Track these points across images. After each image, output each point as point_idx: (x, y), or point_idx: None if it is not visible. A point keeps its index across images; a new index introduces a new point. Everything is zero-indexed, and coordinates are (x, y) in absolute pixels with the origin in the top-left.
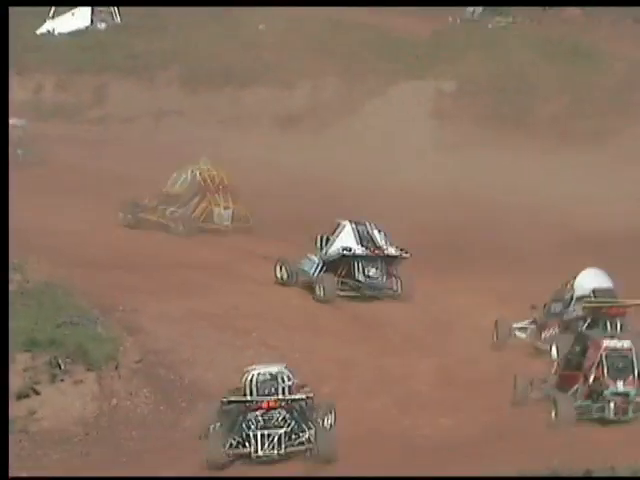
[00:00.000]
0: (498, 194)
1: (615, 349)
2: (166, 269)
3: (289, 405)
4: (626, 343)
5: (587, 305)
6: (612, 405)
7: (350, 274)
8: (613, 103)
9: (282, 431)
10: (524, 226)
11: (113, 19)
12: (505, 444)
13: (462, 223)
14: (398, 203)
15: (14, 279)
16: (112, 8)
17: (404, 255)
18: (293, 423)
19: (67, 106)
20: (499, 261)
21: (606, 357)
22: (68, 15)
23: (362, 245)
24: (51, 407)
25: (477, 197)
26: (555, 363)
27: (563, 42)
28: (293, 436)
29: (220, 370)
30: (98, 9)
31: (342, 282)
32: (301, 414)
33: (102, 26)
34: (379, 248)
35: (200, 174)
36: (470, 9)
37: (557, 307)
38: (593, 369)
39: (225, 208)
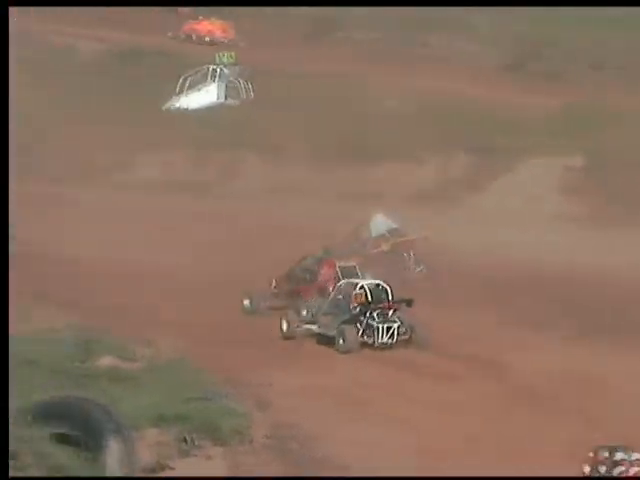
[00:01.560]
0: (631, 272)
1: (346, 266)
2: (294, 342)
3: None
4: (352, 263)
5: (394, 242)
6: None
7: None
8: None
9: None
10: None
11: (245, 94)
12: None
13: (598, 303)
14: (527, 280)
15: (144, 354)
16: (244, 84)
17: None
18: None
19: (196, 182)
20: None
21: (341, 273)
22: (201, 91)
23: None
24: None
25: (610, 276)
26: (274, 280)
27: None
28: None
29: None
30: (230, 86)
31: None
32: None
33: (234, 102)
34: None
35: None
36: None
37: (355, 245)
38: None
39: None
